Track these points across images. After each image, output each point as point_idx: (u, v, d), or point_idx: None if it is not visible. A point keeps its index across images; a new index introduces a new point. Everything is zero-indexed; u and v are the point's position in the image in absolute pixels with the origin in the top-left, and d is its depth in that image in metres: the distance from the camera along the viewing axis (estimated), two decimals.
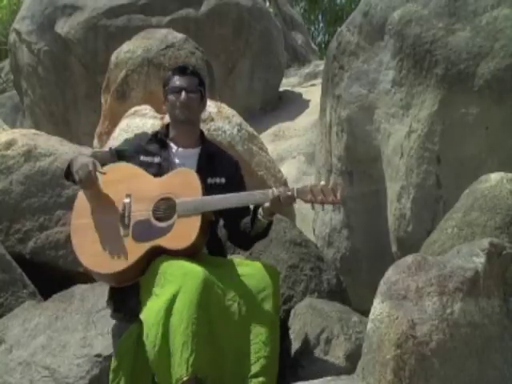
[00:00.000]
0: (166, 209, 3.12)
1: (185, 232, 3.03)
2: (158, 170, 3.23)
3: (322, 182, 3.06)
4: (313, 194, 3.01)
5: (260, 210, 3.13)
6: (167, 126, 3.42)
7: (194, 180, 3.14)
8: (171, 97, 3.34)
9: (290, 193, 3.03)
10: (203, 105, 3.46)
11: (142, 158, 3.28)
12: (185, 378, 2.72)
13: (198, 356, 2.74)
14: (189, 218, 3.06)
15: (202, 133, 3.45)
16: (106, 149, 3.62)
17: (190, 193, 3.10)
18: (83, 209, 3.20)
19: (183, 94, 3.30)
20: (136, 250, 3.05)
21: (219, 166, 3.32)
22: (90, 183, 3.11)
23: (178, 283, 2.84)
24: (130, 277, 3.09)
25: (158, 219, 3.11)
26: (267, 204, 3.07)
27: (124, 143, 3.44)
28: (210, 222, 3.16)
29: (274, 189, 3.07)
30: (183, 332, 2.75)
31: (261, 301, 3.00)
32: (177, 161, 3.29)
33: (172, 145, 3.33)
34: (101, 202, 3.18)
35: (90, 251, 3.10)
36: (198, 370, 2.74)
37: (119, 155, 3.31)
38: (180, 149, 3.32)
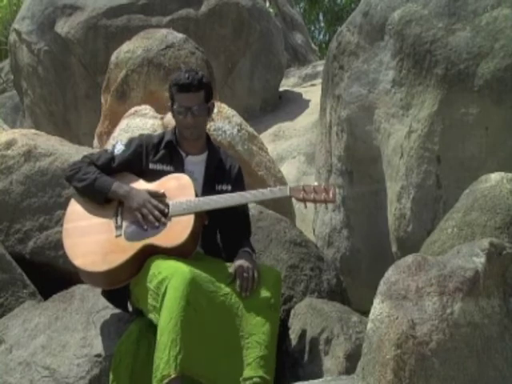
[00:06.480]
0: None
1: (177, 231, 3.04)
2: None
3: (316, 183, 3.09)
4: (305, 192, 3.05)
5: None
6: (174, 130, 3.35)
7: (188, 183, 3.14)
8: (178, 116, 3.23)
9: (282, 191, 3.07)
10: (211, 112, 3.36)
11: (152, 166, 3.24)
12: (173, 376, 2.71)
13: (186, 354, 2.74)
14: (182, 218, 3.07)
15: (207, 137, 3.40)
16: (108, 149, 3.56)
17: (183, 195, 3.11)
18: (75, 213, 3.22)
19: (189, 116, 3.19)
20: (129, 249, 3.05)
21: (225, 173, 3.31)
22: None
23: (166, 282, 2.85)
24: (122, 277, 3.08)
25: None
26: (238, 262, 3.06)
27: (126, 150, 3.29)
28: (202, 225, 3.15)
29: (263, 189, 3.09)
30: (172, 329, 2.76)
31: (260, 300, 3.00)
32: (186, 168, 3.26)
33: (181, 151, 3.30)
34: (94, 207, 3.20)
35: (82, 252, 3.10)
36: (185, 368, 2.74)
37: (120, 164, 3.26)
38: (189, 156, 3.29)
